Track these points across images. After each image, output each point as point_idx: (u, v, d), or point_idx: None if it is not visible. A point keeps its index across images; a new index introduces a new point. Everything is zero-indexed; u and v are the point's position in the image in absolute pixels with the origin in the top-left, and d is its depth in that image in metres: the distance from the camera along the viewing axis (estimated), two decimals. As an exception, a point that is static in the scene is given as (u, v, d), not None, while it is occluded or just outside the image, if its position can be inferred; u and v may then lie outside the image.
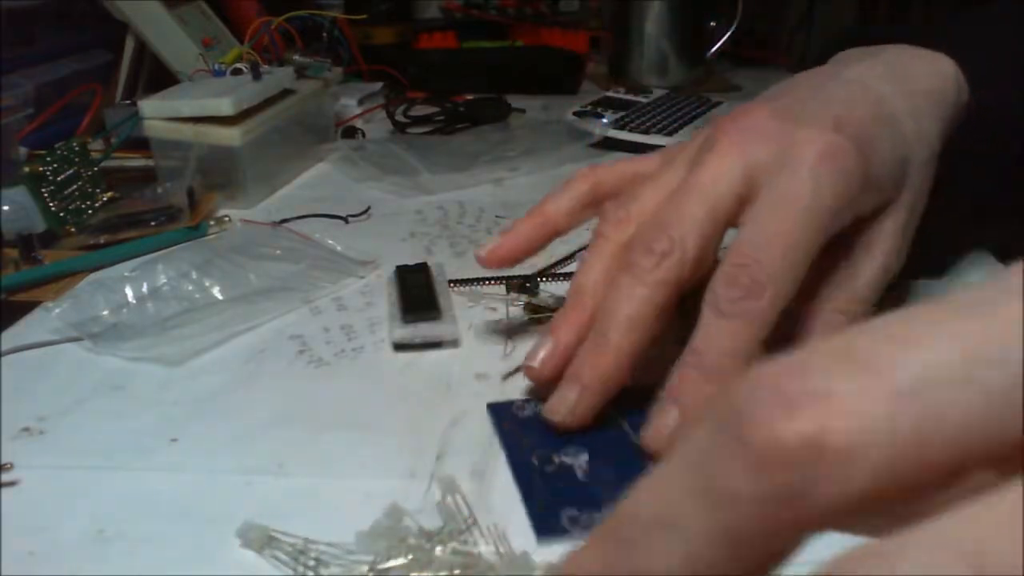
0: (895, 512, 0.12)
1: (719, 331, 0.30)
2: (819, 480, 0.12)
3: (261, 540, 0.28)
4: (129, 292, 0.43)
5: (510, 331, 0.41)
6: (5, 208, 0.52)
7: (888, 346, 0.12)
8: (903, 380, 0.12)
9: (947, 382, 0.12)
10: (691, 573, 0.13)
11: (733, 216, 0.32)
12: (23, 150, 0.65)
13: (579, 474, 0.31)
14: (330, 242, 0.51)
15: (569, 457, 0.31)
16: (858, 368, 0.12)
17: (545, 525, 0.28)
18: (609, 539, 0.14)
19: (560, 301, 0.40)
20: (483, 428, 0.34)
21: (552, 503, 0.29)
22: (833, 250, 0.34)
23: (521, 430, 0.33)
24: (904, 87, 0.36)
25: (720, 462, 0.13)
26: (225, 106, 0.57)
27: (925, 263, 0.40)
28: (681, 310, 0.33)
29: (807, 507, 0.12)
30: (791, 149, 0.31)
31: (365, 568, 0.27)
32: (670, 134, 0.70)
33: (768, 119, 0.33)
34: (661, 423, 0.30)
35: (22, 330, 0.43)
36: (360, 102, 0.81)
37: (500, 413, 0.34)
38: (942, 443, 0.12)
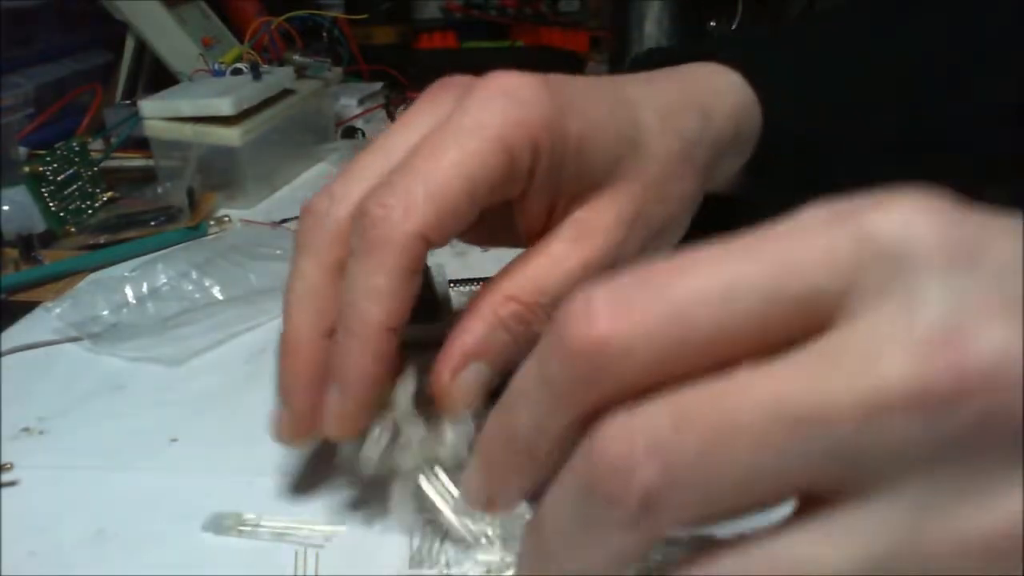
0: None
1: (354, 275, 0.25)
2: (605, 367, 0.17)
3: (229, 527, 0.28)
4: (129, 292, 0.43)
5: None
6: (5, 208, 0.52)
7: (671, 274, 0.17)
8: (674, 299, 0.16)
9: (705, 303, 0.16)
10: (536, 429, 0.18)
11: None
12: (23, 150, 0.65)
13: None
14: (330, 242, 0.51)
15: None
16: (644, 289, 0.17)
17: None
18: (500, 408, 0.20)
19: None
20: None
21: None
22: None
23: None
24: (655, 87, 0.32)
25: (548, 356, 0.18)
26: (225, 106, 0.57)
27: None
28: None
29: (600, 386, 0.17)
30: (474, 85, 0.28)
31: None
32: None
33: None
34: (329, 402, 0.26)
35: (22, 330, 0.43)
36: (360, 102, 0.81)
37: None
38: (695, 347, 0.16)
